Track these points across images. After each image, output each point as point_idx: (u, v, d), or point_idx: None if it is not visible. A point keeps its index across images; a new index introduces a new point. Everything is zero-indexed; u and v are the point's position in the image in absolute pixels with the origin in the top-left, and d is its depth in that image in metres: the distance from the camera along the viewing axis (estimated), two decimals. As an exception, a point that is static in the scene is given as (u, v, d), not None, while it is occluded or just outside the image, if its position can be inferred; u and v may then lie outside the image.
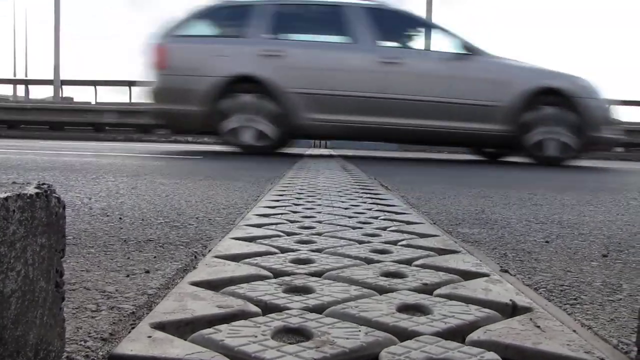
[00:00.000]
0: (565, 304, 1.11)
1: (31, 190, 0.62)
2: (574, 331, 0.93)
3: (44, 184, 0.65)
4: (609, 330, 0.96)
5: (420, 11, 14.81)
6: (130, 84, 18.48)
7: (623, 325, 0.99)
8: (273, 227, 1.78)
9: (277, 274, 1.21)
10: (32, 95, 20.06)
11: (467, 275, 1.26)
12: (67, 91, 19.73)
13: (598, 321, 1.01)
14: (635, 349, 0.75)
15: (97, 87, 19.04)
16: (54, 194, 0.66)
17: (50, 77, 17.36)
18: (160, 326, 0.88)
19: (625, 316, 1.04)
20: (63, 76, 17.63)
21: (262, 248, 1.46)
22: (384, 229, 1.83)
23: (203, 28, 7.16)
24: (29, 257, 0.61)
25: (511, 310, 1.05)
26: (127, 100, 17.85)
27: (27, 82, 21.12)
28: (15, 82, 21.81)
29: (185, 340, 0.83)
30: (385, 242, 1.59)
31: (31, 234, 0.61)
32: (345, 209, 2.27)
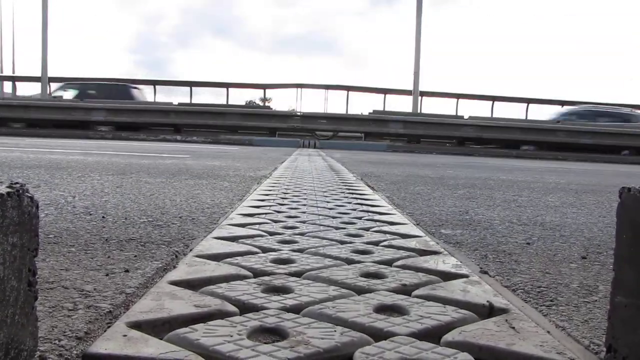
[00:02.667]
0: (541, 305, 1.12)
1: (2, 189, 0.62)
2: (548, 332, 0.94)
3: (16, 183, 0.65)
4: (582, 332, 0.97)
5: (410, 13, 14.64)
6: (118, 82, 18.35)
7: (596, 327, 1.00)
8: (256, 227, 1.78)
9: (257, 273, 1.21)
10: (19, 93, 19.83)
11: (447, 277, 1.27)
12: (55, 89, 19.50)
13: (572, 322, 1.02)
14: (605, 349, 0.77)
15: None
16: (26, 193, 0.66)
17: (38, 74, 17.19)
18: (137, 325, 0.88)
19: (598, 317, 1.05)
20: (51, 73, 17.46)
21: (244, 248, 1.46)
22: (367, 229, 1.83)
23: None
24: None
25: (488, 311, 1.06)
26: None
27: (14, 79, 20.87)
28: (1, 78, 21.55)
29: (161, 339, 0.83)
30: (367, 243, 1.59)
31: (2, 233, 0.61)
32: (330, 209, 2.27)
